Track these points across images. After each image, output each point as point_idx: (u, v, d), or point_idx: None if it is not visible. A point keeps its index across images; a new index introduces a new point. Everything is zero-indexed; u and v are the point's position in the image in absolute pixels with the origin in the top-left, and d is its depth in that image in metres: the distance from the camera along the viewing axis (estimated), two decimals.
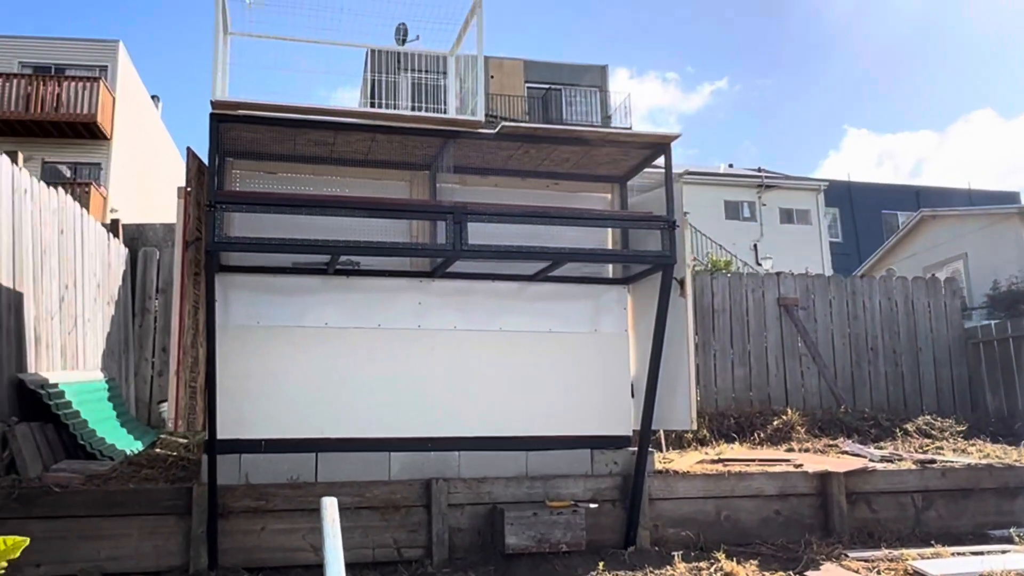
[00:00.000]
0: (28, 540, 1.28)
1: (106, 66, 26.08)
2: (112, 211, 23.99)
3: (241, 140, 5.43)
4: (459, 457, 5.88)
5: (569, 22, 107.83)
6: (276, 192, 5.61)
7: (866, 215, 38.95)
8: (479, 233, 5.32)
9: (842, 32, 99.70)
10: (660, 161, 5.87)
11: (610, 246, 6.49)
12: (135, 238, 9.97)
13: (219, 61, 4.94)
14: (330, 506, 3.23)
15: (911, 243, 20.30)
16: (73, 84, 23.99)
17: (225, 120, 4.94)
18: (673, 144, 5.71)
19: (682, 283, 5.86)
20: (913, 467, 6.65)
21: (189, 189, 5.13)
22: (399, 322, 5.93)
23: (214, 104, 4.84)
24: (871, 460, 6.91)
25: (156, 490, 5.28)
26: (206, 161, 5.06)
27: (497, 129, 5.24)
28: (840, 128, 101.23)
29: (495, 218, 5.28)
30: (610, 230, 6.44)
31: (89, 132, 24.30)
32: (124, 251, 9.49)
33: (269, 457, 5.56)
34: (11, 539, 1.25)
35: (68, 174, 24.72)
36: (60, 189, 7.34)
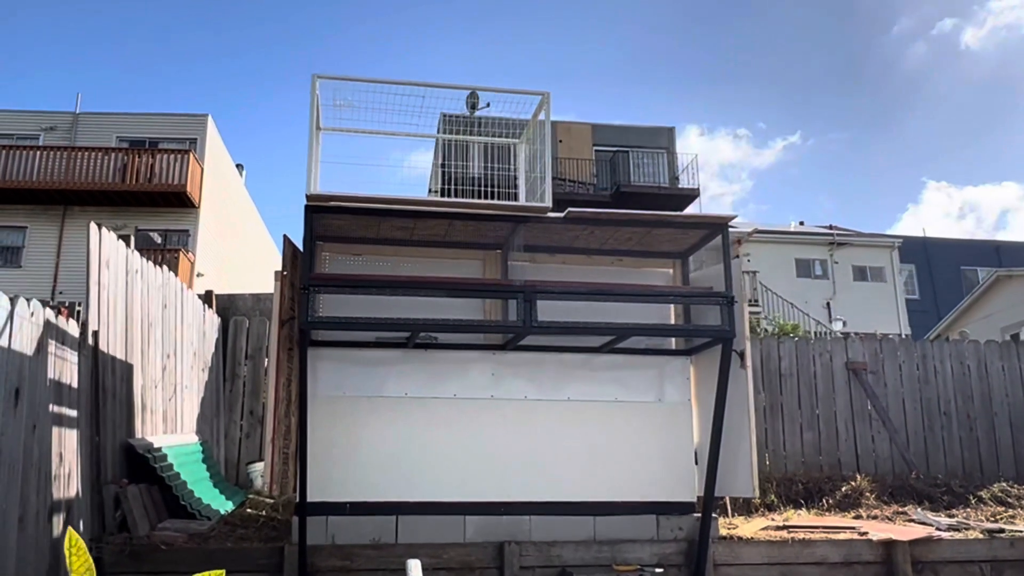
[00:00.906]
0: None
1: (195, 138, 27.70)
2: (198, 275, 25.26)
3: (331, 226, 5.97)
4: (530, 521, 6.19)
5: (638, 83, 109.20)
6: (364, 275, 6.10)
7: (944, 271, 38.13)
8: (548, 308, 5.72)
9: (918, 84, 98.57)
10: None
11: (672, 319, 6.80)
12: (226, 307, 10.66)
13: (313, 158, 5.51)
14: (415, 568, 3.59)
15: (987, 303, 19.97)
16: (165, 156, 25.54)
17: (318, 211, 5.48)
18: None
19: (742, 355, 6.13)
20: (980, 536, 6.69)
21: (285, 272, 5.66)
22: (473, 392, 6.32)
23: (309, 198, 5.39)
24: (938, 528, 6.96)
25: (251, 549, 5.73)
26: (299, 246, 5.61)
27: (564, 214, 5.66)
28: (919, 181, 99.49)
29: (563, 296, 5.67)
30: (672, 306, 6.76)
31: (179, 201, 25.75)
32: (217, 320, 10.16)
33: (353, 519, 5.97)
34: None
35: (159, 240, 26.15)
36: (164, 267, 8.02)
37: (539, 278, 6.10)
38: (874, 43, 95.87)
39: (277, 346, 5.61)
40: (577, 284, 5.88)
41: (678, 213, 5.71)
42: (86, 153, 25.32)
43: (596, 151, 31.24)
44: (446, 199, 5.59)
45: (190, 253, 25.28)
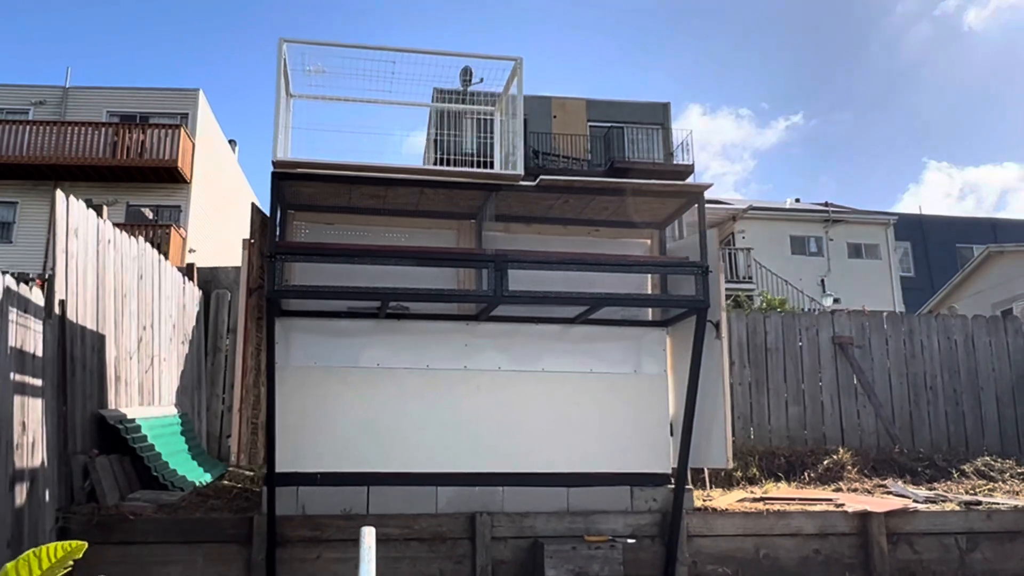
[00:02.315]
0: (86, 544, 1.54)
1: (187, 113, 27.49)
2: (191, 251, 25.14)
3: (302, 194, 5.89)
4: (503, 492, 6.16)
5: (639, 61, 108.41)
6: (330, 243, 6.02)
7: (940, 249, 38.05)
8: (523, 279, 5.65)
9: (921, 65, 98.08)
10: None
11: (650, 290, 6.74)
12: (208, 280, 10.58)
13: (280, 123, 5.41)
14: (368, 535, 3.55)
15: (978, 280, 19.92)
16: (156, 131, 25.34)
17: (285, 178, 5.40)
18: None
19: (717, 326, 6.07)
20: (957, 508, 6.66)
21: (252, 241, 5.59)
22: (447, 363, 6.27)
23: (275, 163, 5.31)
24: (915, 501, 6.93)
25: (220, 519, 5.70)
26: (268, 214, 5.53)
27: (536, 182, 5.58)
28: (920, 161, 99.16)
29: (534, 265, 5.61)
30: (649, 276, 6.69)
31: (170, 176, 25.60)
32: (198, 293, 10.09)
33: (324, 490, 5.93)
34: (72, 543, 1.50)
35: (150, 216, 25.99)
36: (140, 238, 7.93)
37: (514, 248, 6.04)
38: (878, 23, 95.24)
39: (245, 315, 5.55)
40: (549, 253, 5.81)
41: (653, 181, 5.62)
42: (76, 128, 25.11)
43: (591, 127, 31.05)
44: (416, 167, 5.51)
45: (182, 229, 25.15)
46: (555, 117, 30.73)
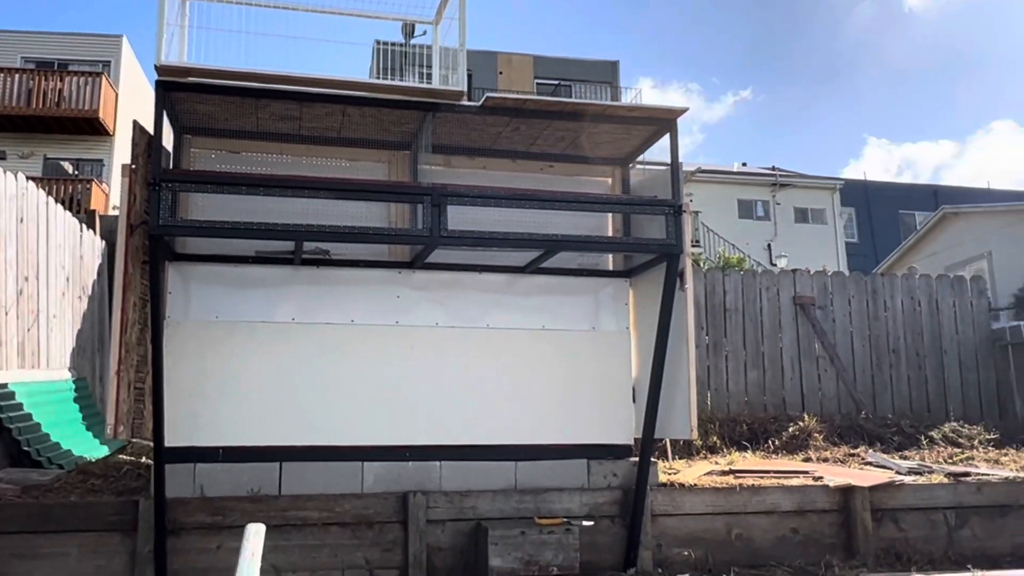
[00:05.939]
0: None
1: (109, 61, 25.72)
2: (114, 208, 23.58)
3: (198, 114, 4.89)
4: (440, 468, 5.32)
5: (592, 36, 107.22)
6: (229, 171, 5.06)
7: (883, 215, 38.08)
8: (465, 220, 4.77)
9: (863, 43, 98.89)
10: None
11: (611, 234, 5.90)
12: (114, 230, 9.42)
13: (164, 19, 4.38)
14: (254, 536, 2.68)
15: (931, 242, 19.59)
16: (75, 79, 23.56)
17: (173, 88, 4.40)
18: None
19: (682, 275, 5.26)
20: (945, 481, 6.03)
21: (135, 167, 4.58)
22: (375, 318, 5.37)
23: (159, 69, 4.31)
24: (898, 472, 6.29)
25: (98, 504, 4.74)
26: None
27: (481, 101, 4.67)
28: (860, 137, 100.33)
29: (478, 201, 4.72)
30: (610, 217, 5.86)
31: (91, 128, 23.90)
32: (100, 243, 8.98)
33: (227, 467, 5.01)
34: None
35: (71, 170, 24.29)
36: (20, 175, 6.82)
37: (455, 184, 5.12)
38: (823, 1, 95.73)
39: (125, 257, 4.56)
40: (496, 189, 4.91)
41: (618, 103, 4.77)
42: None
43: (538, 84, 29.96)
44: (337, 78, 4.53)
45: (104, 184, 23.54)
46: (501, 73, 29.58)
